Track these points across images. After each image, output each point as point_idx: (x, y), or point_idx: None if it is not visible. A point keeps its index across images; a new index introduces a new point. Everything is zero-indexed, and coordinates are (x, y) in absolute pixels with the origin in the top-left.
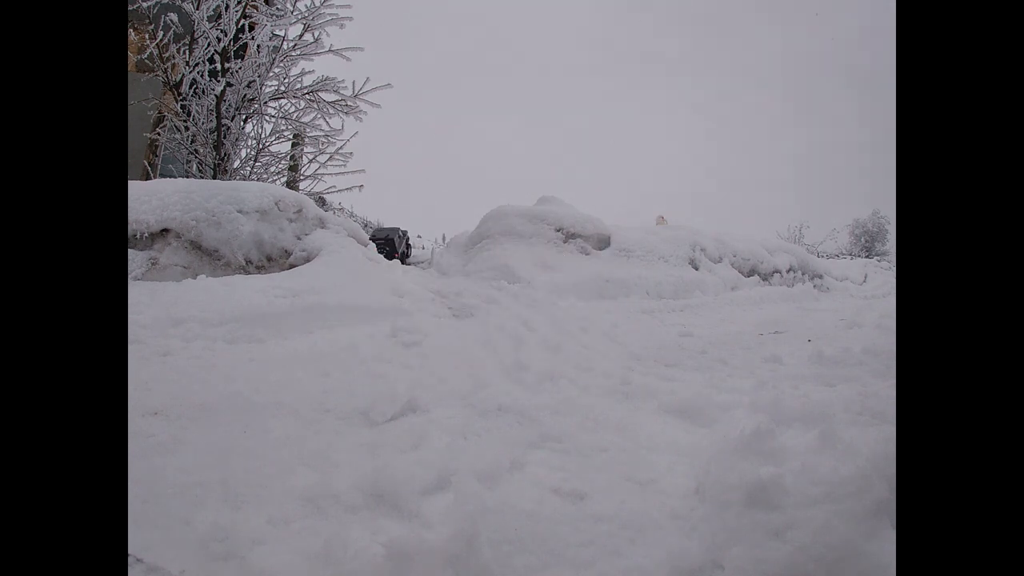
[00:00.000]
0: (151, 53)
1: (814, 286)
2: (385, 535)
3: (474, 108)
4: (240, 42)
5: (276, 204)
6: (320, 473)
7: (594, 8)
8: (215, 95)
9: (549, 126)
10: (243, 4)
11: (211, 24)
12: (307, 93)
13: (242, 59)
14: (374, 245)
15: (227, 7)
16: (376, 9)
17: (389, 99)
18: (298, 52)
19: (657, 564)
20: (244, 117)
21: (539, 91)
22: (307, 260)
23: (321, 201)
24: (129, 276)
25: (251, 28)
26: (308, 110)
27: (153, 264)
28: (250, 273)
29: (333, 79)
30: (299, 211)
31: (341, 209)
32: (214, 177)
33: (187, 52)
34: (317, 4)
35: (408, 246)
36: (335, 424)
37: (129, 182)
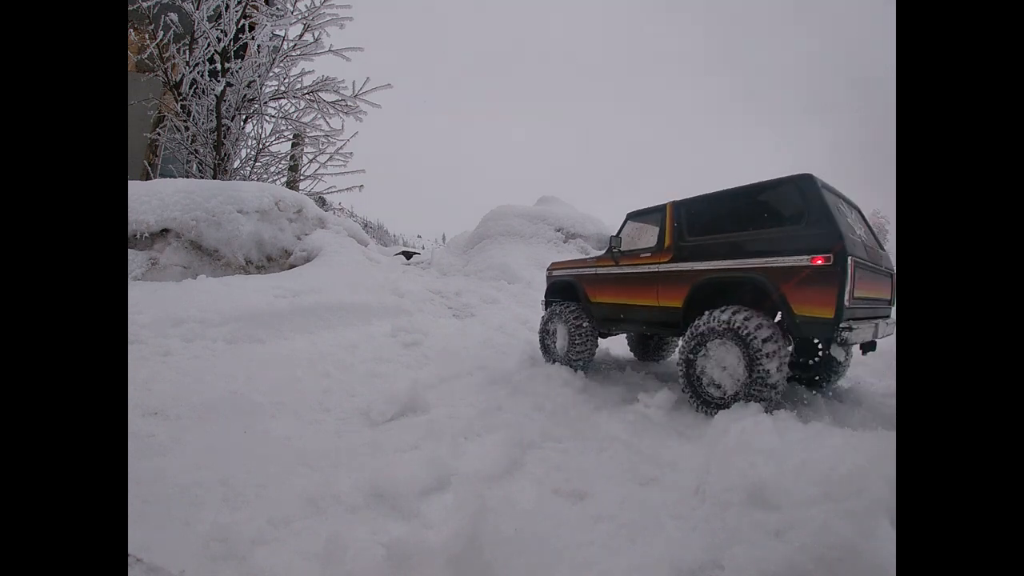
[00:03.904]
0: (151, 53)
1: None
2: (385, 535)
3: (478, 108)
4: (240, 42)
5: (276, 204)
6: (320, 473)
7: (599, 9)
8: (215, 95)
9: (551, 126)
10: (243, 4)
11: (211, 24)
12: (307, 93)
13: (242, 59)
14: (375, 243)
15: (227, 7)
16: (380, 10)
17: (394, 100)
18: (298, 52)
19: (657, 564)
20: (244, 117)
21: (540, 91)
22: (307, 260)
23: (321, 201)
24: (129, 276)
25: (251, 28)
26: (308, 110)
27: (153, 264)
28: (250, 273)
29: (333, 79)
30: (299, 211)
31: (341, 209)
32: (214, 177)
33: (187, 52)
34: (317, 4)
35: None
36: (335, 424)
37: (129, 182)
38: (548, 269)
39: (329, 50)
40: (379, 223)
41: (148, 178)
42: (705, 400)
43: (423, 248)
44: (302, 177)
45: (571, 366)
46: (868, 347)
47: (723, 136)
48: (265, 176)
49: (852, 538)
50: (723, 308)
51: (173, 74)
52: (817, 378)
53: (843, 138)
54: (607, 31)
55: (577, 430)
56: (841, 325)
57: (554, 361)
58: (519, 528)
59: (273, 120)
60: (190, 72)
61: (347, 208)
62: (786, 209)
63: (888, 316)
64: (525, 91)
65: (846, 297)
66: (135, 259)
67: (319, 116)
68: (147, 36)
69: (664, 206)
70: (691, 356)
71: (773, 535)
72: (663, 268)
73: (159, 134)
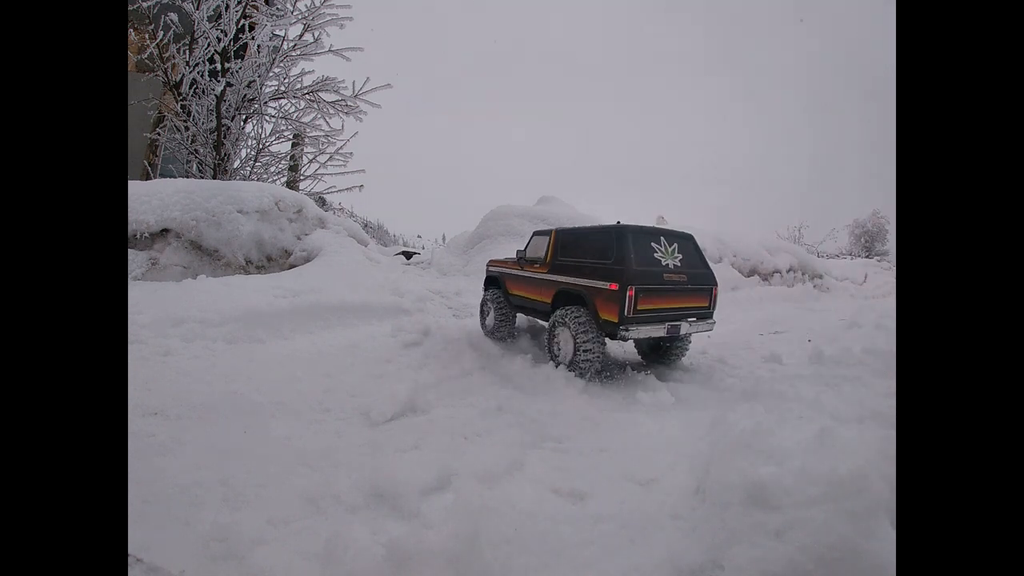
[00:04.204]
0: (151, 53)
1: (814, 286)
2: (385, 535)
3: (478, 108)
4: (240, 42)
5: (276, 204)
6: (320, 473)
7: (599, 9)
8: (215, 95)
9: (551, 126)
10: (243, 4)
11: (211, 24)
12: (307, 93)
13: (242, 59)
14: (375, 243)
15: (227, 7)
16: (380, 10)
17: (394, 100)
18: (298, 52)
19: (657, 564)
20: (244, 117)
21: (540, 91)
22: (307, 260)
23: (321, 201)
24: (129, 276)
25: (251, 28)
26: (308, 110)
27: (153, 264)
28: (250, 273)
29: (333, 79)
30: (299, 211)
31: (342, 209)
32: (214, 177)
33: (187, 52)
34: (317, 4)
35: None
36: (336, 424)
37: (129, 182)
38: (487, 264)
39: (329, 50)
40: (379, 223)
41: (148, 178)
42: (557, 361)
43: (423, 248)
44: (302, 177)
45: (493, 337)
46: (668, 340)
47: (723, 136)
48: (265, 176)
49: (852, 538)
50: (567, 307)
51: (173, 74)
52: (666, 359)
53: (843, 138)
54: (607, 31)
55: (577, 430)
56: (621, 327)
57: (488, 331)
58: (519, 528)
59: (273, 120)
60: (190, 72)
61: (347, 208)
62: (607, 247)
63: (707, 317)
64: (525, 91)
65: (626, 310)
66: (135, 259)
67: (319, 116)
68: (147, 36)
69: (551, 231)
70: (550, 335)
71: (773, 535)
72: (543, 276)
73: (159, 134)
